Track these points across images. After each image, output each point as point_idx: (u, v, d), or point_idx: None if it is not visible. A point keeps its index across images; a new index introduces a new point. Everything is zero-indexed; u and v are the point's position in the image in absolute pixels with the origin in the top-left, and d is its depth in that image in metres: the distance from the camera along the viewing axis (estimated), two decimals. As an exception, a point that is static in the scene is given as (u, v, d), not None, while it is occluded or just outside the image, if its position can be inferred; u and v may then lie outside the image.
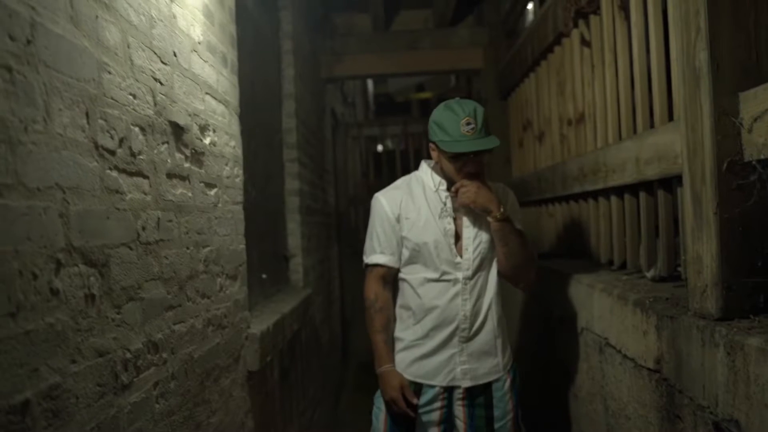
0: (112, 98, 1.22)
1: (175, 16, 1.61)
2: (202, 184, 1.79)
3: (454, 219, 2.17)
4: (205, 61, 1.86)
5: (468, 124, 2.03)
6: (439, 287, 2.14)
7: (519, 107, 4.55)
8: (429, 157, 2.27)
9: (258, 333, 2.19)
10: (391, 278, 2.21)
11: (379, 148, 8.64)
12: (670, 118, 2.13)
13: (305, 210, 3.74)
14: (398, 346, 2.20)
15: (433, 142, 2.13)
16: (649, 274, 2.35)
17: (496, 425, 2.20)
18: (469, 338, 2.15)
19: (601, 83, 2.81)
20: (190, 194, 1.68)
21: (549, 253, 3.68)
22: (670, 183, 2.19)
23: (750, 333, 1.44)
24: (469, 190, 2.07)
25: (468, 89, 6.97)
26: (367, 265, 2.20)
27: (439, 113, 2.10)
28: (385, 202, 2.19)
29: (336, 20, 5.31)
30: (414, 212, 2.16)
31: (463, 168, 2.08)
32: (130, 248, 1.28)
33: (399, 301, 2.23)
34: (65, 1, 1.06)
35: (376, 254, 2.18)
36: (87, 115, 1.12)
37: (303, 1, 4.17)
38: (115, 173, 1.23)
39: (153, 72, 1.44)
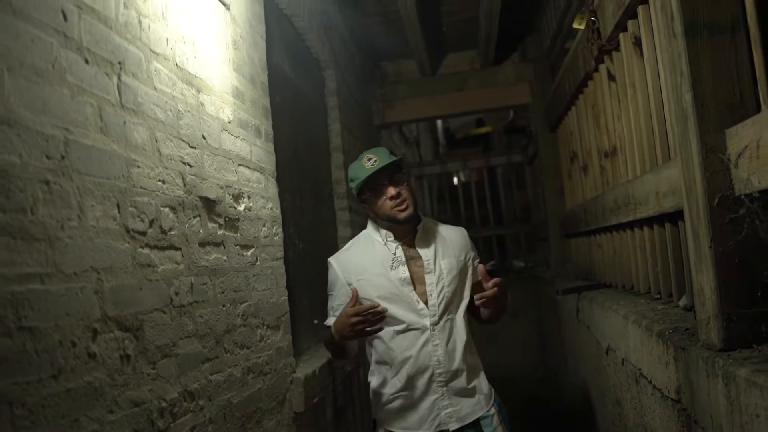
0: (141, 188, 1.47)
1: (203, 104, 1.86)
2: (237, 247, 2.03)
3: (409, 267, 2.16)
4: (237, 137, 2.11)
5: (369, 160, 2.12)
6: (408, 337, 2.12)
7: (566, 139, 4.62)
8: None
9: (302, 377, 2.38)
10: None
11: (455, 181, 8.78)
12: (682, 151, 2.19)
13: (359, 254, 3.94)
14: (380, 401, 2.20)
15: (360, 199, 2.21)
16: (681, 303, 2.38)
17: None
18: (448, 381, 2.13)
19: (627, 116, 2.87)
20: (224, 258, 1.91)
21: (600, 284, 3.71)
22: (687, 215, 2.24)
23: (744, 363, 1.49)
24: (490, 299, 2.04)
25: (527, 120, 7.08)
26: (325, 327, 2.23)
27: (350, 171, 2.21)
28: (336, 265, 2.22)
29: (386, 69, 5.57)
30: (364, 272, 2.16)
31: (387, 198, 2.10)
32: (164, 312, 1.51)
33: (374, 358, 2.23)
34: (95, 116, 1.31)
35: (330, 317, 2.20)
36: (118, 206, 1.36)
37: (349, 55, 4.44)
38: (146, 250, 1.46)
39: (182, 157, 1.69)
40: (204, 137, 1.85)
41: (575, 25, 3.10)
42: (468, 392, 2.17)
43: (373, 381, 2.23)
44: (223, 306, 1.88)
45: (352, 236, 3.85)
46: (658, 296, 2.67)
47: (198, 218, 1.77)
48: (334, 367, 2.82)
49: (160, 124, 1.60)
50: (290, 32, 3.30)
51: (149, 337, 1.44)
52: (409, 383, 2.13)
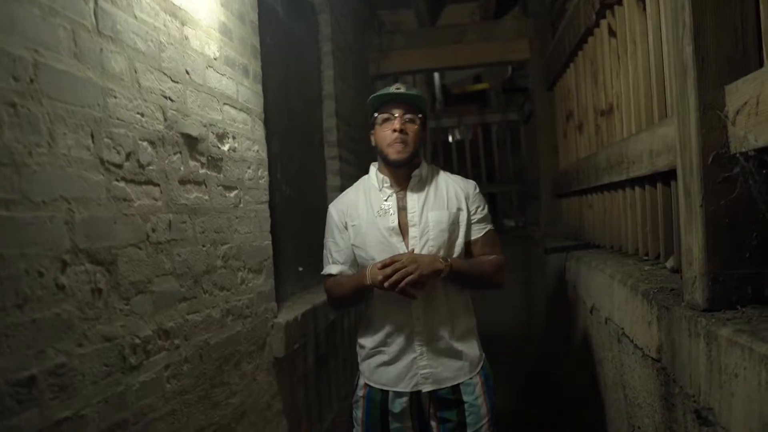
0: (118, 119, 1.41)
1: (187, 38, 1.79)
2: (220, 188, 1.98)
3: (400, 216, 2.06)
4: (222, 75, 2.04)
5: (397, 88, 2.07)
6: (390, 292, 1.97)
7: (562, 98, 4.55)
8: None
9: (283, 322, 2.37)
10: None
11: (450, 138, 8.68)
12: (679, 109, 2.14)
13: (348, 205, 3.90)
14: (361, 354, 2.16)
15: (370, 123, 2.13)
16: (668, 265, 2.37)
17: (474, 423, 2.09)
18: (429, 340, 2.05)
19: (626, 74, 2.82)
20: (206, 197, 1.87)
21: (589, 243, 3.71)
22: (681, 174, 2.21)
23: (726, 323, 1.48)
24: (407, 267, 1.91)
25: (526, 80, 6.97)
26: (323, 276, 2.20)
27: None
28: (334, 211, 2.16)
29: (382, 18, 5.44)
30: (357, 217, 2.10)
31: (391, 129, 2.01)
32: (139, 248, 1.47)
33: (366, 311, 2.18)
34: (68, 40, 1.25)
35: (329, 265, 2.16)
36: (92, 135, 1.31)
37: (345, 2, 4.32)
38: (122, 183, 1.42)
39: (163, 91, 1.63)
40: (188, 72, 1.79)
41: (578, -23, 3.00)
42: (451, 354, 2.08)
43: (360, 332, 2.20)
44: (203, 246, 1.84)
45: (342, 186, 3.83)
46: (646, 257, 2.66)
47: (179, 155, 1.72)
48: (317, 314, 2.81)
49: (140, 54, 1.53)
50: (285, -29, 3.19)
51: (123, 272, 1.40)
52: (389, 338, 2.08)
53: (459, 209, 2.13)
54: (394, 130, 2.01)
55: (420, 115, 2.07)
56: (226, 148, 2.04)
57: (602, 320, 2.72)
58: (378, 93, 2.10)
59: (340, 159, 3.81)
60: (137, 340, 1.45)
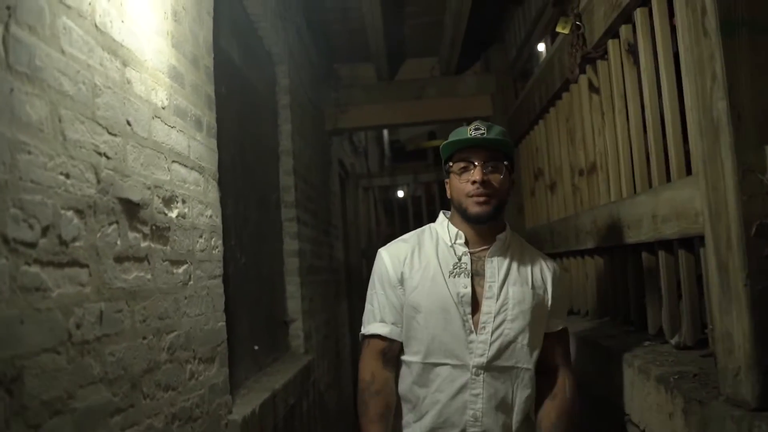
0: (32, 181, 1.06)
1: (129, 82, 1.46)
2: (166, 263, 1.62)
3: (473, 282, 1.75)
4: (172, 127, 1.70)
5: (476, 129, 1.74)
6: (443, 374, 1.71)
7: (530, 155, 4.39)
8: (445, 207, 1.91)
9: (239, 419, 1.98)
10: (393, 355, 1.80)
11: (400, 194, 8.47)
12: (688, 171, 1.94)
13: (306, 270, 3.57)
14: None
15: (446, 175, 1.83)
16: (673, 341, 2.16)
17: None
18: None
19: (612, 131, 2.65)
20: (149, 276, 1.50)
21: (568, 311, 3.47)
22: (692, 242, 2.00)
23: (795, 431, 1.22)
24: None
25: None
26: (364, 337, 1.81)
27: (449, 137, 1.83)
28: (388, 259, 1.81)
29: (340, 71, 5.23)
30: (419, 271, 1.76)
31: (471, 180, 1.72)
32: (57, 353, 1.10)
33: (399, 388, 1.82)
34: (-39, 76, 0.91)
35: (375, 323, 1.79)
36: (-9, 205, 0.95)
37: (303, 54, 4.08)
38: (35, 268, 1.05)
39: (96, 146, 1.28)
40: (129, 123, 1.45)
41: (558, 29, 2.83)
42: None
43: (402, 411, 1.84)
44: (144, 338, 1.46)
45: (300, 250, 3.50)
46: (638, 330, 2.42)
47: (115, 225, 1.35)
48: (277, 402, 2.43)
49: (67, 99, 1.19)
50: (242, 17, 2.91)
51: (31, 390, 1.02)
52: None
53: (545, 291, 1.82)
54: (474, 182, 1.70)
55: (506, 162, 1.77)
56: (174, 214, 1.69)
57: (599, 399, 2.44)
58: (454, 138, 1.77)
59: (297, 221, 3.48)
60: (50, 482, 1.06)
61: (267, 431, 2.35)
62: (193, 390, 1.75)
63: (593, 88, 2.86)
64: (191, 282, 1.78)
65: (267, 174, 3.24)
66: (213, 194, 2.02)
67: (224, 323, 2.05)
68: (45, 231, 1.09)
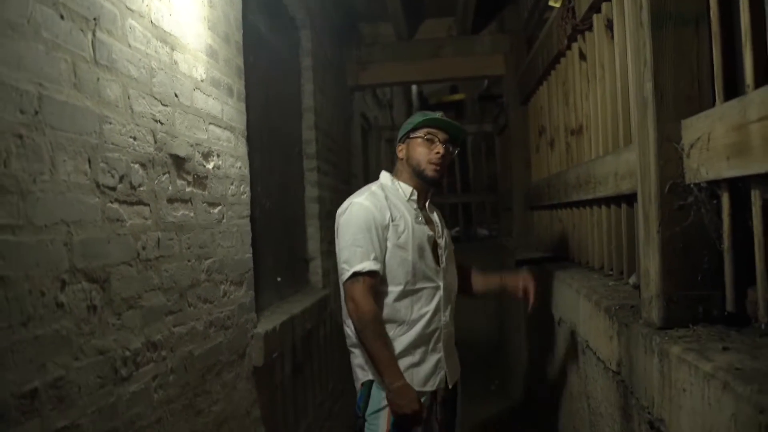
0: (113, 144, 1.49)
1: (176, 63, 1.87)
2: (205, 204, 2.07)
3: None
4: (209, 95, 2.13)
5: (442, 116, 2.30)
6: (425, 295, 2.20)
7: (536, 113, 4.68)
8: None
9: (263, 332, 2.45)
10: (376, 289, 2.15)
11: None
12: (641, 136, 2.26)
13: (326, 215, 4.00)
14: None
15: (401, 141, 2.34)
16: (630, 281, 2.47)
17: (457, 419, 2.40)
18: (446, 340, 2.26)
19: (594, 96, 2.93)
20: (192, 214, 1.95)
21: (559, 256, 3.82)
22: (642, 197, 2.33)
23: (677, 341, 1.59)
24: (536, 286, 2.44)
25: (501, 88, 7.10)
26: (358, 274, 2.07)
27: (413, 116, 2.37)
28: (373, 207, 2.15)
29: (362, 30, 5.54)
30: (401, 218, 2.19)
31: (434, 150, 2.24)
32: (131, 265, 1.56)
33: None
34: (69, 72, 1.33)
35: (369, 261, 2.08)
36: (89, 161, 1.39)
37: (326, 15, 4.41)
38: (116, 205, 1.50)
39: (153, 115, 1.71)
40: (176, 95, 1.87)
41: (551, 3, 3.13)
42: (454, 353, 2.35)
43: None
44: (189, 261, 1.92)
45: (320, 197, 3.93)
46: (611, 273, 2.77)
47: (167, 175, 1.80)
48: (295, 324, 2.90)
49: (133, 81, 1.61)
50: (268, -11, 3.27)
51: (116, 288, 1.48)
52: (420, 341, 2.19)
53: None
54: (437, 152, 2.24)
55: (458, 149, 2.40)
56: (210, 166, 2.13)
57: (568, 332, 2.83)
58: (429, 116, 2.29)
59: (318, 170, 3.90)
60: (128, 353, 1.53)
61: (286, 346, 2.83)
62: (226, 305, 2.22)
63: (582, 56, 3.15)
64: (224, 220, 2.23)
65: (291, 129, 3.65)
66: (242, 149, 2.45)
67: (251, 255, 2.50)
68: (121, 178, 1.53)
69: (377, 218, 2.15)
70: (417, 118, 2.30)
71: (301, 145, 3.81)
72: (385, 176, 2.36)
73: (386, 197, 2.24)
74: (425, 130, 2.26)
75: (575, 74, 3.30)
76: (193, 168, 1.98)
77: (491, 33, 5.47)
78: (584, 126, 3.17)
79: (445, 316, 2.26)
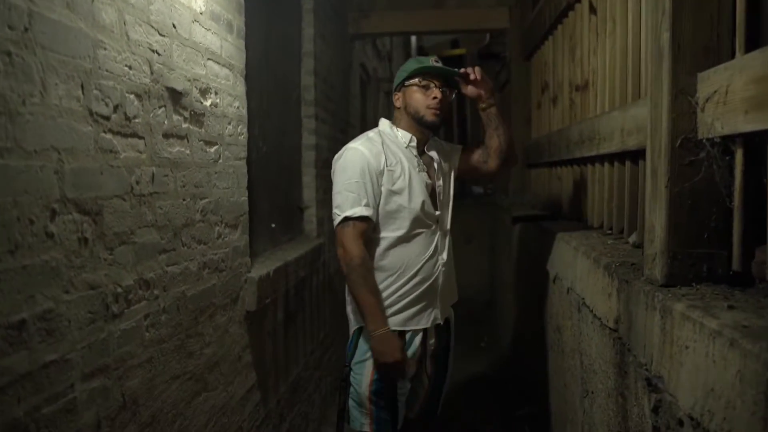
0: (107, 71, 1.42)
1: (175, -9, 1.78)
2: (201, 143, 2.00)
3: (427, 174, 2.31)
4: (208, 30, 2.04)
5: (436, 62, 2.27)
6: (421, 240, 2.22)
7: (539, 69, 4.60)
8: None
9: (256, 277, 2.42)
10: (369, 235, 2.17)
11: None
12: (652, 91, 2.21)
13: (322, 163, 3.93)
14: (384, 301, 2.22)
15: (397, 90, 2.31)
16: (631, 240, 2.45)
17: (447, 372, 2.47)
18: (445, 280, 2.31)
19: (603, 52, 2.86)
20: (188, 152, 1.89)
21: (555, 214, 3.80)
22: (648, 153, 2.29)
23: (681, 299, 1.56)
24: (478, 71, 2.29)
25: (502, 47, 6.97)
26: (348, 219, 2.08)
27: (406, 63, 2.33)
28: (368, 153, 2.13)
29: (364, -23, 5.38)
30: (398, 165, 2.19)
31: (432, 96, 2.23)
32: (124, 199, 1.50)
33: (376, 261, 2.20)
34: (62, -11, 1.25)
35: (360, 207, 2.08)
36: (82, 87, 1.32)
37: (328, -42, 4.26)
38: (109, 135, 1.43)
39: (150, 44, 1.63)
40: (174, 26, 1.79)
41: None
42: (452, 290, 2.42)
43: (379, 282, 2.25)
44: (183, 200, 1.87)
45: (317, 144, 3.86)
46: (610, 232, 2.74)
47: (163, 109, 1.73)
48: (288, 271, 2.87)
49: (129, 6, 1.53)
50: (270, -76, 3.14)
51: (108, 222, 1.43)
52: (416, 286, 2.22)
53: (454, 160, 2.48)
54: (435, 97, 2.22)
55: (455, 91, 2.37)
56: (208, 103, 2.05)
57: (564, 290, 2.82)
58: (423, 62, 2.27)
59: (316, 118, 3.82)
60: (119, 290, 1.49)
61: (279, 293, 2.80)
62: (220, 248, 2.17)
63: (592, 9, 3.07)
64: (220, 160, 2.17)
65: (290, 74, 3.55)
66: (240, 88, 2.37)
67: (246, 198, 2.45)
68: (116, 108, 1.46)
69: (371, 164, 2.14)
70: (411, 65, 2.28)
71: (300, 91, 3.72)
72: (383, 123, 2.35)
73: (383, 143, 2.24)
74: (420, 77, 2.25)
75: (583, 28, 3.22)
76: (190, 104, 1.91)
77: (496, -16, 5.33)
78: (590, 82, 3.10)
79: (442, 258, 2.30)
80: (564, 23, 3.70)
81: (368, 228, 2.15)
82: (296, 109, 3.68)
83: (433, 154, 2.35)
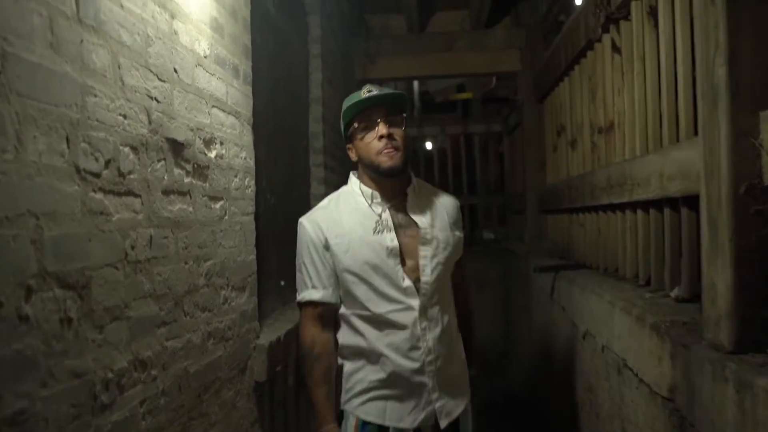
0: (98, 120, 1.23)
1: (176, 33, 1.61)
2: (205, 198, 1.80)
3: (397, 235, 1.82)
4: (212, 75, 1.86)
5: (368, 91, 1.81)
6: (390, 322, 1.79)
7: (554, 111, 4.46)
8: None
9: (266, 344, 2.19)
10: (330, 316, 1.86)
11: (428, 146, 8.53)
12: (696, 132, 2.04)
13: (331, 214, 3.74)
14: (352, 391, 1.85)
15: (348, 142, 1.91)
16: (673, 294, 2.27)
17: None
18: (439, 369, 1.82)
19: (630, 91, 2.72)
20: (190, 209, 1.69)
21: (578, 264, 3.61)
22: (694, 201, 2.11)
23: (761, 371, 1.37)
24: None
25: (508, 90, 6.89)
26: (300, 304, 1.87)
27: (343, 103, 1.89)
28: (309, 227, 1.84)
29: (371, 22, 5.31)
30: (346, 235, 1.81)
31: (377, 136, 1.77)
32: (116, 268, 1.29)
33: (345, 342, 1.87)
34: (44, 29, 1.07)
35: (307, 290, 1.83)
36: (67, 139, 1.13)
37: (335, 4, 4.17)
38: (100, 195, 1.24)
39: (148, 90, 1.45)
40: (176, 70, 1.61)
41: (583, -10, 2.89)
42: (458, 383, 1.91)
43: (347, 365, 1.87)
44: (186, 263, 1.66)
45: (326, 194, 3.67)
46: (644, 284, 2.55)
47: (163, 162, 1.54)
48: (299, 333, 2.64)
49: (125, 48, 1.35)
50: (276, -33, 3.02)
51: (97, 296, 1.22)
52: (394, 375, 1.80)
53: (458, 227, 1.96)
54: (381, 137, 1.76)
55: (404, 115, 1.85)
56: (213, 154, 1.87)
57: (598, 348, 2.60)
58: (351, 102, 1.82)
59: (325, 167, 3.65)
60: (110, 374, 1.26)
61: (291, 358, 2.57)
62: (227, 314, 1.95)
63: (615, 48, 2.92)
64: (226, 217, 1.97)
65: (297, 121, 3.39)
66: (248, 138, 2.19)
67: (255, 256, 2.24)
68: (107, 163, 1.27)
69: (314, 240, 1.82)
70: (345, 111, 1.86)
71: (308, 139, 3.55)
72: (351, 179, 1.94)
73: (339, 207, 1.87)
74: (357, 119, 1.82)
75: (605, 68, 3.07)
76: (193, 156, 1.72)
77: (506, 27, 5.28)
78: (616, 123, 2.94)
79: (428, 342, 1.80)
80: (582, 63, 3.56)
81: (324, 310, 1.84)
82: (304, 158, 3.51)
83: (417, 213, 1.88)
